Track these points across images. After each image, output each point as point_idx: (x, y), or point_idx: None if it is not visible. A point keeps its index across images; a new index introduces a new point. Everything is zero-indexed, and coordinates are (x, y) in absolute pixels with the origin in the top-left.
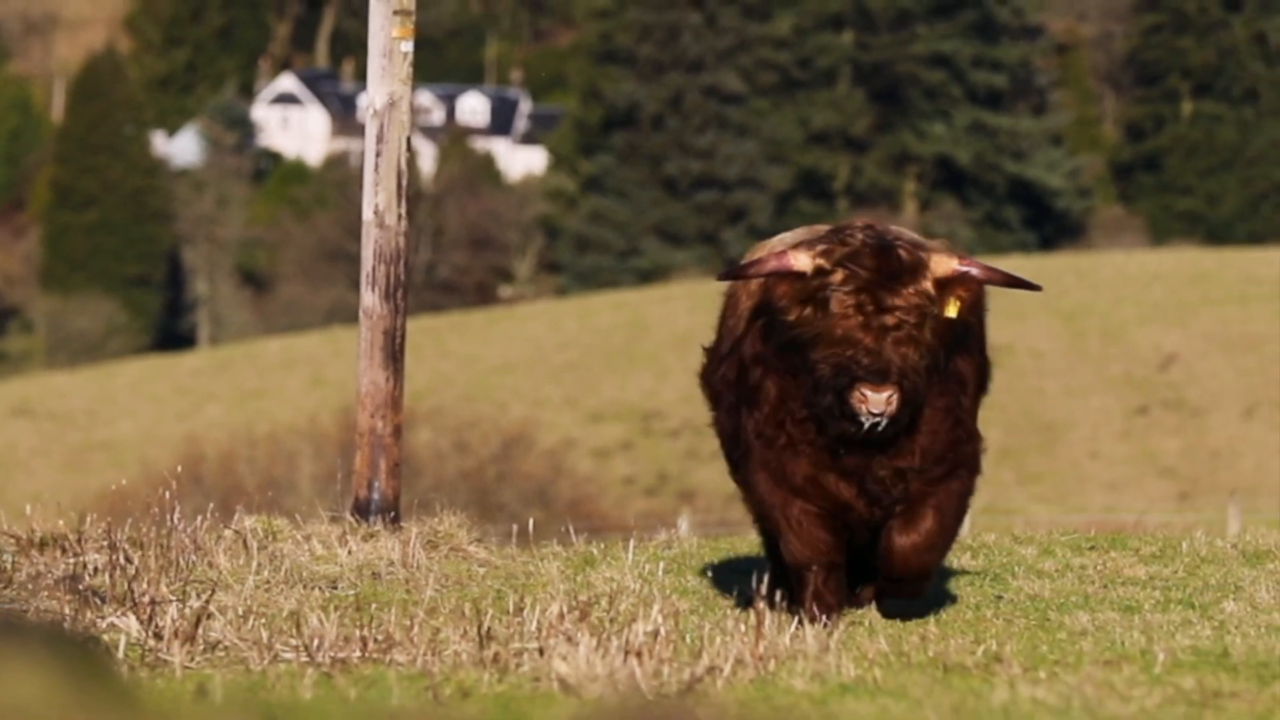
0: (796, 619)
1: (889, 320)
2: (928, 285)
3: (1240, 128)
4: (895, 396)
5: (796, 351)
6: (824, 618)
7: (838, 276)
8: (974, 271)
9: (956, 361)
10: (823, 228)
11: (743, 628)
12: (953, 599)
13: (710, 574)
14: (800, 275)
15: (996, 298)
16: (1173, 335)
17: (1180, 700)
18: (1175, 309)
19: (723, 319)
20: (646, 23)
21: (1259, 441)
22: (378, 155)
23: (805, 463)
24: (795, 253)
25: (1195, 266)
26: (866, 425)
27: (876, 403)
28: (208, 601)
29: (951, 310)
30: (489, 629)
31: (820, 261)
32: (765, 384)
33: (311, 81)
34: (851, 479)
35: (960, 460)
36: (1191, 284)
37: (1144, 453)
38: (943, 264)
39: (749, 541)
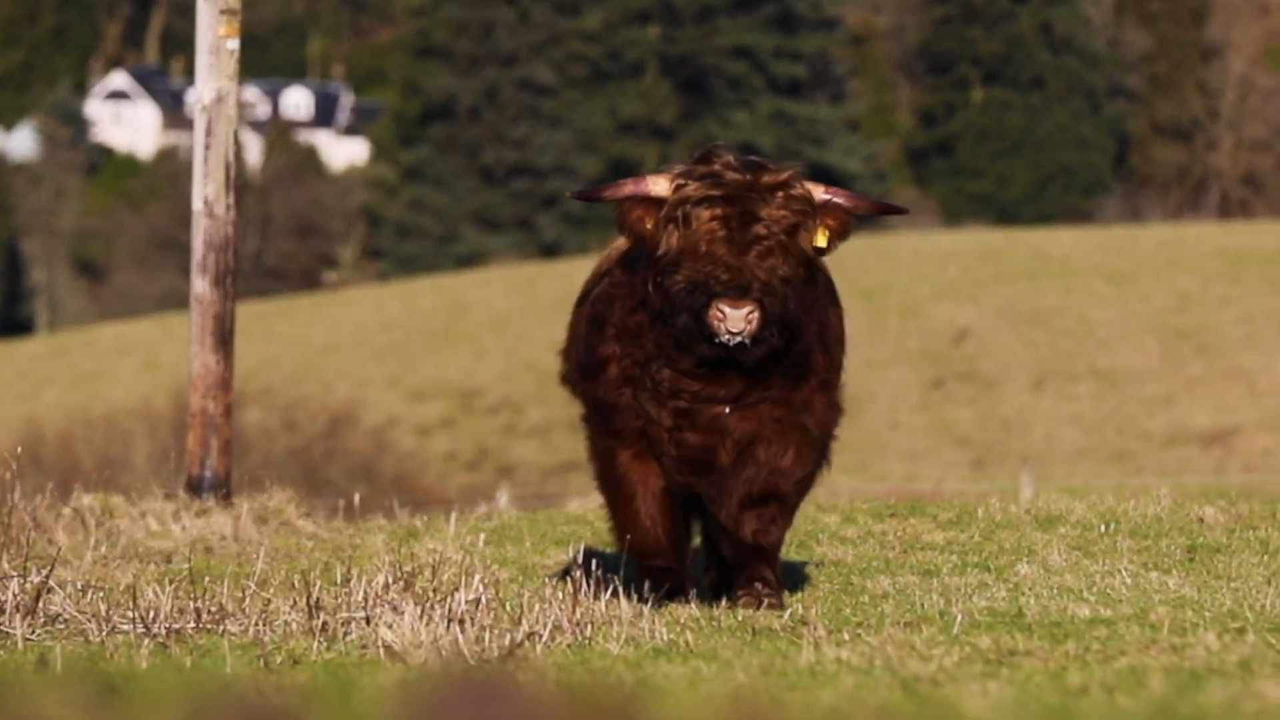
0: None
1: (751, 233)
2: (796, 202)
3: (1028, 113)
4: (756, 314)
5: (658, 283)
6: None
7: (698, 191)
8: (840, 200)
9: (821, 307)
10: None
11: (560, 595)
12: None
13: (529, 545)
14: (659, 200)
15: None
16: (966, 311)
17: (977, 659)
18: (968, 286)
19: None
20: (462, 19)
21: (1048, 412)
22: (206, 148)
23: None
24: (654, 178)
25: (987, 245)
26: (730, 345)
27: (735, 319)
28: (48, 577)
29: (821, 240)
30: (318, 599)
31: (680, 181)
32: (609, 344)
33: (142, 78)
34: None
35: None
36: (983, 262)
37: (940, 423)
38: (810, 190)
39: (565, 514)
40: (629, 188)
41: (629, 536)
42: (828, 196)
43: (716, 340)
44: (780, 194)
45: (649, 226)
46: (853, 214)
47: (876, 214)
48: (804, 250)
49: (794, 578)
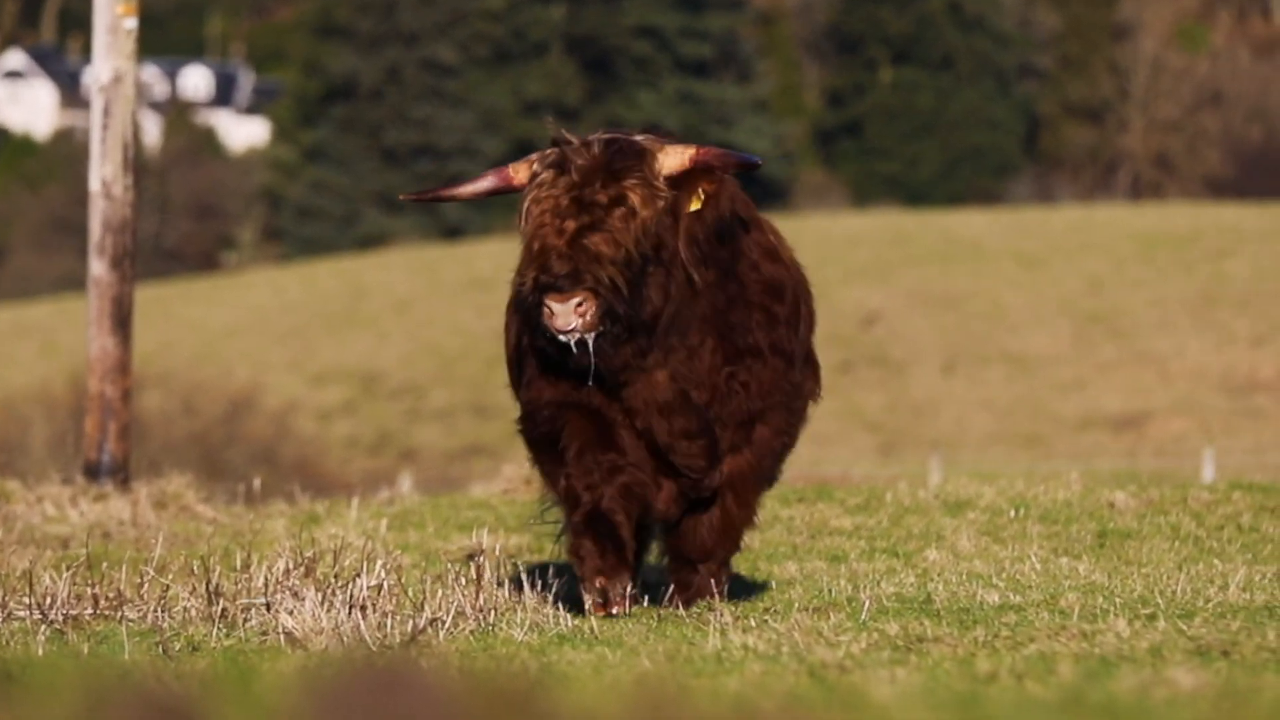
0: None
1: (587, 218)
2: (646, 179)
3: (938, 94)
4: (590, 306)
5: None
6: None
7: (543, 178)
8: (714, 160)
9: (731, 280)
10: None
11: (463, 581)
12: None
13: (432, 530)
14: (524, 188)
15: None
16: (875, 294)
17: (886, 645)
18: (877, 269)
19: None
20: None
21: (958, 397)
22: (104, 129)
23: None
24: (516, 165)
25: (896, 228)
26: (571, 344)
27: (563, 315)
28: None
29: (695, 204)
30: (217, 585)
31: (535, 168)
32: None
33: (39, 58)
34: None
35: (750, 413)
36: (893, 245)
37: (848, 408)
38: (675, 156)
39: (469, 499)
40: (489, 179)
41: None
42: (702, 158)
43: (558, 340)
44: (621, 180)
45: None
46: (725, 170)
47: (739, 170)
48: (652, 231)
49: None
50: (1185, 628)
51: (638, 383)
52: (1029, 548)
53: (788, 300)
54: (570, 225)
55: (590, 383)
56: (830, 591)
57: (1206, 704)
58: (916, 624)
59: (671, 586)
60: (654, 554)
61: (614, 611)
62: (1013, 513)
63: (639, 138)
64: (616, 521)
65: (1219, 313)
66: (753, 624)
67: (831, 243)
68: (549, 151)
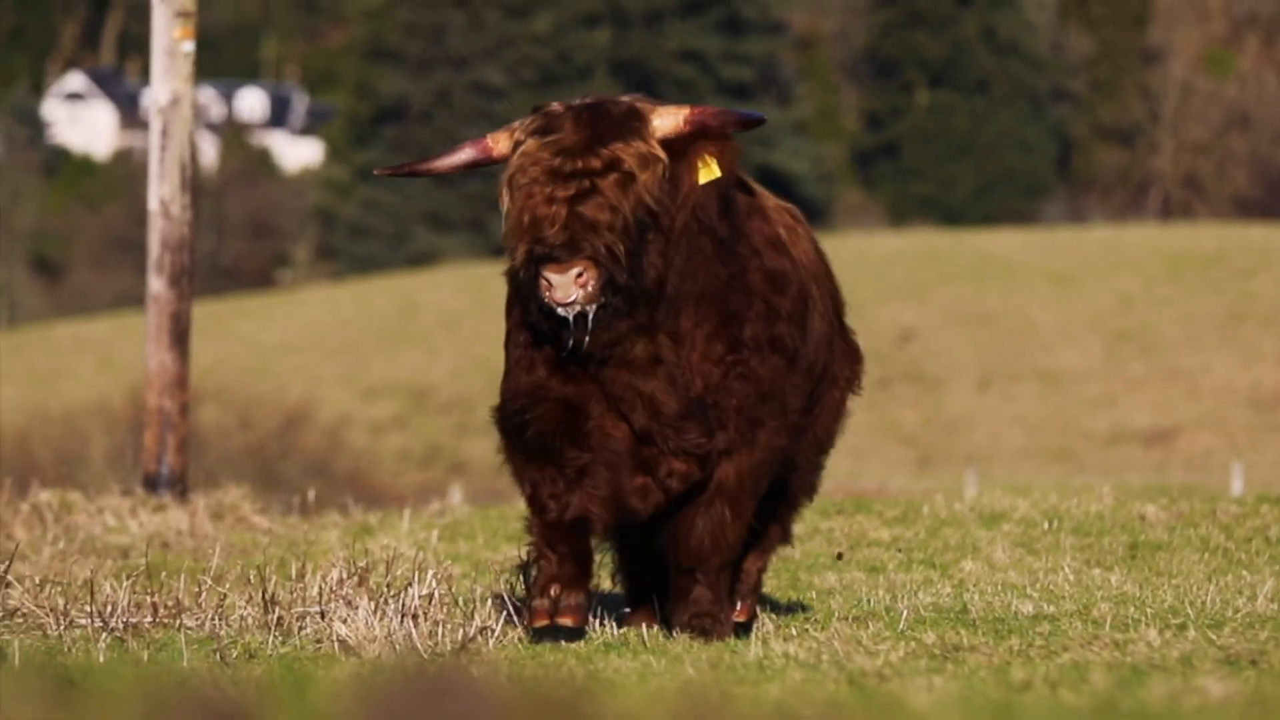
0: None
1: (580, 185)
2: (640, 144)
3: (972, 117)
4: (591, 276)
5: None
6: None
7: (527, 147)
8: (710, 121)
9: (732, 259)
10: None
11: (513, 590)
12: None
13: (481, 540)
14: (503, 162)
15: None
16: (911, 311)
17: (923, 654)
18: (913, 287)
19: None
20: (414, 22)
21: (992, 412)
22: (162, 149)
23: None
24: (495, 135)
25: (931, 247)
26: (570, 318)
27: (563, 286)
28: (6, 571)
29: (706, 174)
30: (273, 594)
31: (518, 136)
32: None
33: (99, 80)
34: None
35: (745, 410)
36: (928, 263)
37: (885, 423)
38: (669, 117)
39: (516, 510)
40: (466, 152)
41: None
42: (697, 118)
43: (556, 314)
44: (613, 144)
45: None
46: (724, 130)
47: (741, 128)
48: (650, 197)
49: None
50: (1215, 637)
51: (627, 361)
52: (1062, 559)
53: (791, 294)
54: (562, 193)
55: (579, 361)
56: (869, 601)
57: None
58: (953, 633)
59: (670, 596)
60: None
61: (562, 621)
62: (1046, 525)
63: (626, 99)
64: (581, 533)
65: (1246, 330)
66: (794, 633)
67: (868, 261)
68: (531, 118)
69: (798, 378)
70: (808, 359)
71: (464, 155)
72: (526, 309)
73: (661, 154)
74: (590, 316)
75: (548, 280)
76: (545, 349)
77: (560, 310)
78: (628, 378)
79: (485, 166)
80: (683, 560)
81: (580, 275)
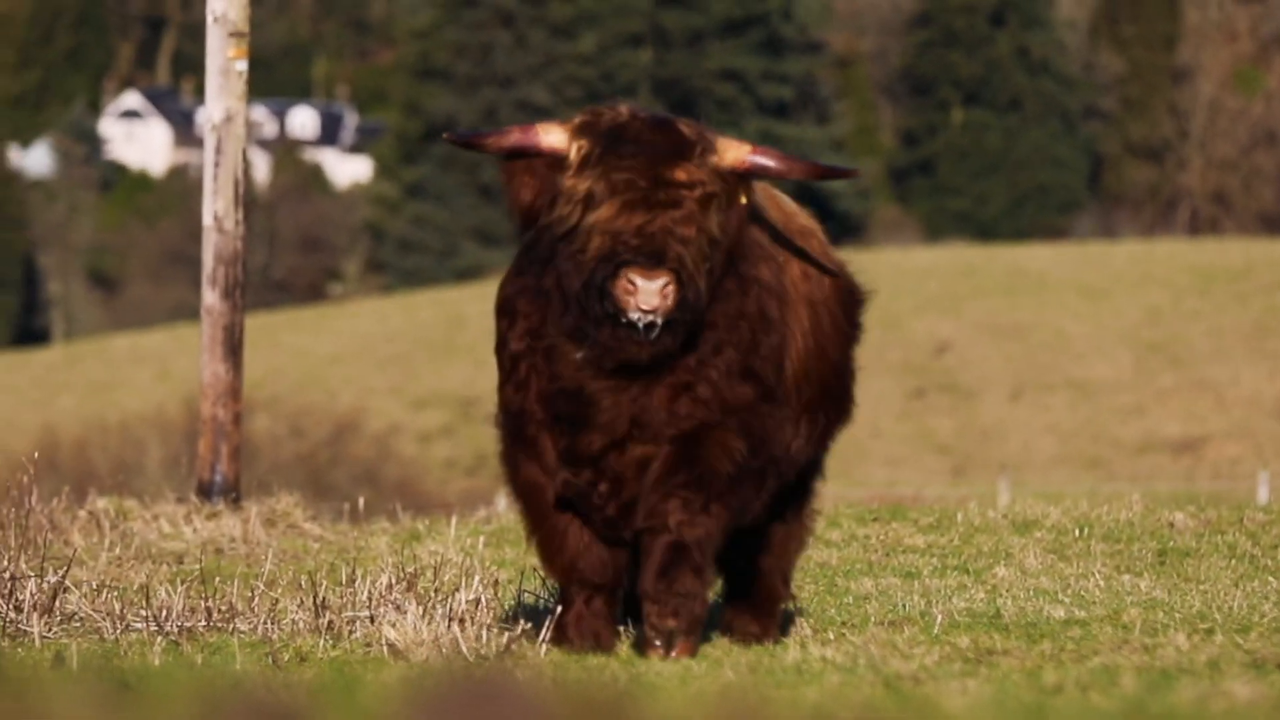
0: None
1: (664, 195)
2: (716, 168)
3: (1005, 134)
4: (672, 288)
5: (554, 254)
6: (589, 645)
7: (600, 148)
8: (769, 163)
9: (745, 294)
10: None
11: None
12: None
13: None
14: (551, 155)
15: None
16: (945, 324)
17: (957, 658)
18: (948, 300)
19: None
20: (462, 42)
21: (1024, 422)
22: (216, 166)
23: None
24: (545, 126)
25: (966, 261)
26: (640, 326)
27: (648, 294)
28: (64, 577)
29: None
30: (324, 599)
31: (580, 138)
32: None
33: (154, 98)
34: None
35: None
36: (962, 277)
37: (920, 432)
38: (731, 150)
39: None
40: (514, 136)
41: (551, 555)
42: (755, 159)
43: (623, 320)
44: (696, 157)
45: (532, 190)
46: (784, 178)
47: (817, 179)
48: (715, 226)
49: None
50: (1241, 642)
51: (649, 385)
52: (1093, 565)
53: (776, 331)
54: (652, 202)
55: (623, 371)
56: (904, 606)
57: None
58: (986, 638)
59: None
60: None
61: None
62: (1077, 532)
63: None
64: (595, 582)
65: (1272, 342)
66: (831, 637)
67: (905, 275)
68: (593, 121)
69: (775, 413)
70: (780, 399)
71: (511, 140)
72: (586, 311)
73: (732, 181)
74: (658, 329)
75: (633, 283)
76: (551, 362)
77: (635, 316)
78: (631, 397)
79: (529, 156)
80: (644, 585)
81: (665, 285)
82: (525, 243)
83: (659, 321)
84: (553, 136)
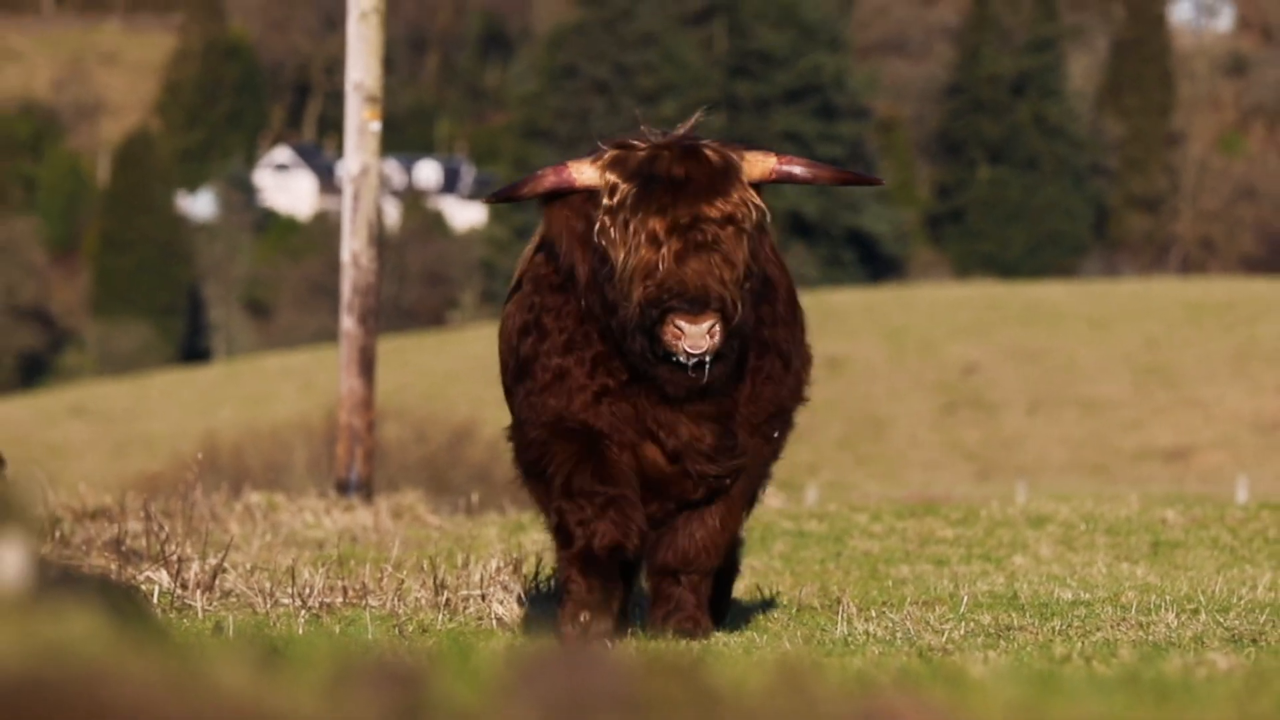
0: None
1: (700, 236)
2: (746, 194)
3: (1024, 188)
4: (718, 327)
5: (603, 298)
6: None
7: (634, 189)
8: (797, 170)
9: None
10: None
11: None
12: (802, 557)
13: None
14: (586, 192)
15: (830, 322)
16: (974, 349)
17: (980, 633)
18: (976, 328)
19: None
20: (563, 107)
21: (1040, 433)
22: (354, 211)
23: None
24: (577, 165)
25: (991, 295)
26: (690, 365)
27: (695, 336)
28: (223, 559)
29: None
30: (442, 580)
31: (612, 175)
32: (539, 351)
33: (302, 153)
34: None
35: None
36: (988, 309)
37: (951, 441)
38: (758, 164)
39: None
40: (549, 179)
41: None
42: (783, 167)
43: (674, 360)
44: (725, 194)
45: (580, 224)
46: (812, 183)
47: (843, 184)
48: (750, 255)
49: (830, 565)
50: (1222, 620)
51: (694, 402)
52: (1096, 555)
53: (800, 324)
54: (688, 243)
55: (678, 399)
56: (935, 588)
57: (1239, 681)
58: (1005, 616)
59: (651, 600)
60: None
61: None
62: (1083, 526)
63: (713, 143)
64: (609, 560)
65: (1252, 367)
66: (873, 614)
67: (939, 307)
68: (623, 154)
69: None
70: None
71: (547, 182)
72: (633, 349)
73: (761, 204)
74: (709, 363)
75: (680, 329)
76: (592, 377)
77: (683, 359)
78: (675, 411)
79: (565, 194)
80: (672, 563)
81: (711, 326)
82: (531, 275)
83: (707, 359)
84: (586, 174)
